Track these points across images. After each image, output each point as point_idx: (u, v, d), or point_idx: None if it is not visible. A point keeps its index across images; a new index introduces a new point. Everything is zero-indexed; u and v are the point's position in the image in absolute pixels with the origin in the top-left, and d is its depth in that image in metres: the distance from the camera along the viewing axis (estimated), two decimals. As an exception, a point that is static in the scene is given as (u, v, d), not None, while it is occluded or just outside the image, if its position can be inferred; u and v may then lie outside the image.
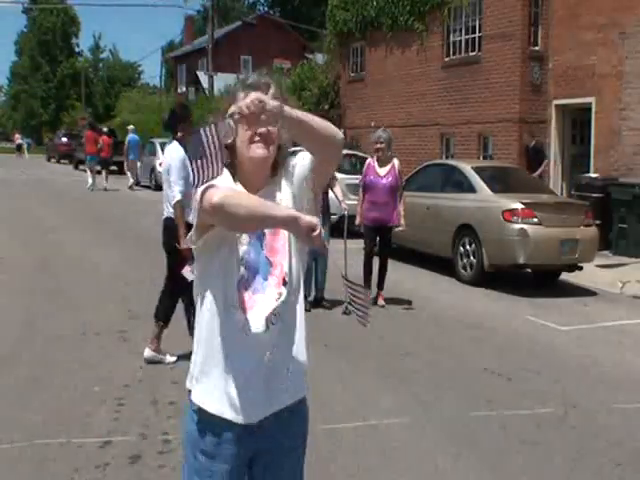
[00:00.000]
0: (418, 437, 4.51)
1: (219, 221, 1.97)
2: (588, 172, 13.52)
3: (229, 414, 2.06)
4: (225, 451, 2.08)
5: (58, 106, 62.56)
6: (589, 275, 9.95)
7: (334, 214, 9.14)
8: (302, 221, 1.86)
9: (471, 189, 10.07)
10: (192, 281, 2.24)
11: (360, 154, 15.18)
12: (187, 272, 5.05)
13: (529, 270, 9.94)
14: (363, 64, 21.64)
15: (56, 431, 4.38)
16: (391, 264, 8.56)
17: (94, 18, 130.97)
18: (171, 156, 5.63)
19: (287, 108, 1.92)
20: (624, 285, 9.69)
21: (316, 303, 7.91)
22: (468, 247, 9.72)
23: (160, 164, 22.90)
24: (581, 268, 9.70)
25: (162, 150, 23.02)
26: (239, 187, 2.09)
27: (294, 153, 2.19)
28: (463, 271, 9.81)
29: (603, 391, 5.52)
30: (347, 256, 7.71)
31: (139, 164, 24.73)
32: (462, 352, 6.48)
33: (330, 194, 7.94)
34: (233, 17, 49.53)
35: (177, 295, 5.80)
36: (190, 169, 1.98)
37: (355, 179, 10.69)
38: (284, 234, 2.11)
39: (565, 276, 10.02)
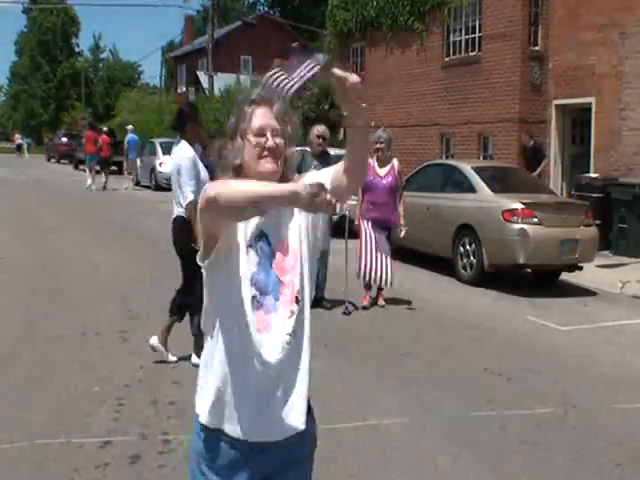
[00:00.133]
0: (418, 437, 4.51)
1: (218, 213, 1.91)
2: (588, 172, 13.52)
3: (238, 433, 2.03)
4: (233, 471, 2.05)
5: (58, 106, 62.57)
6: (589, 275, 9.95)
7: (335, 214, 9.13)
8: (304, 192, 1.76)
9: (471, 189, 10.07)
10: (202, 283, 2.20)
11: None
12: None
13: (529, 270, 9.94)
14: (363, 64, 21.64)
15: (56, 431, 4.38)
16: (391, 264, 8.55)
17: (94, 18, 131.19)
18: (180, 156, 5.58)
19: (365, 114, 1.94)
20: (624, 285, 9.69)
21: (316, 303, 7.90)
22: (468, 247, 9.72)
23: (160, 164, 22.95)
24: (581, 268, 9.70)
25: (162, 150, 23.14)
26: None
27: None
28: (463, 271, 9.80)
29: (603, 391, 5.52)
30: (347, 256, 7.72)
31: (139, 164, 24.73)
32: (462, 352, 6.48)
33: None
34: (233, 17, 49.52)
35: (192, 293, 5.72)
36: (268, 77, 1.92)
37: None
38: (294, 253, 2.09)
39: (565, 276, 10.02)
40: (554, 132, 15.13)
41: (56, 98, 64.53)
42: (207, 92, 31.57)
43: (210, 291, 2.10)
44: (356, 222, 8.37)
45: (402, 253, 10.64)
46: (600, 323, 7.75)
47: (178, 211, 5.63)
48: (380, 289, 8.25)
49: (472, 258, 9.63)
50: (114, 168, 26.11)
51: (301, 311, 2.08)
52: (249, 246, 2.05)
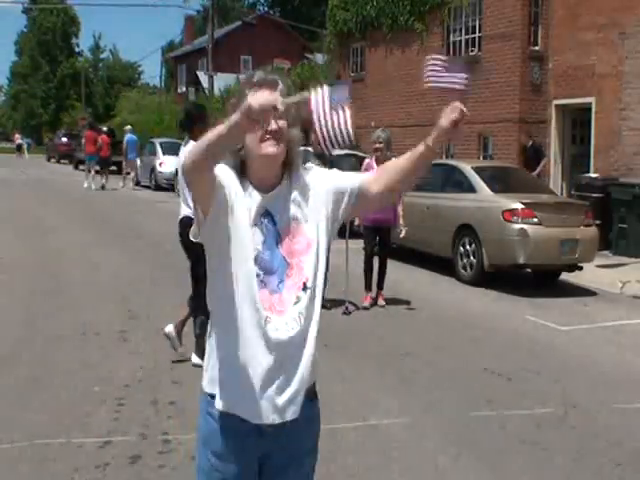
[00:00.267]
0: (418, 437, 4.51)
1: (196, 171, 1.92)
2: (588, 172, 13.52)
3: (241, 412, 2.03)
4: (236, 452, 2.06)
5: (58, 106, 62.59)
6: (589, 275, 9.95)
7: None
8: (254, 105, 1.75)
9: (471, 189, 10.07)
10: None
11: (360, 154, 15.18)
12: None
13: (529, 270, 9.94)
14: (363, 64, 21.65)
15: (56, 431, 4.38)
16: (391, 264, 8.56)
17: (94, 18, 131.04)
18: None
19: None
20: (624, 285, 9.69)
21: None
22: (468, 247, 9.71)
23: (160, 164, 22.97)
24: (581, 268, 9.70)
25: (162, 150, 23.15)
26: (247, 184, 2.07)
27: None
28: (463, 271, 9.80)
29: (603, 391, 5.52)
30: (348, 256, 7.72)
31: (139, 164, 24.74)
32: (462, 352, 6.48)
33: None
34: (233, 17, 49.50)
35: (199, 294, 5.68)
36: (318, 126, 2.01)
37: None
38: (307, 239, 2.08)
39: (565, 276, 10.02)
40: (554, 132, 15.13)
41: (56, 98, 64.54)
42: (207, 92, 31.56)
43: (212, 270, 2.09)
44: (356, 223, 8.38)
45: (402, 253, 10.65)
46: (600, 323, 7.75)
47: (185, 211, 5.62)
48: (380, 288, 8.25)
49: (472, 258, 9.63)
50: (114, 168, 26.12)
51: (311, 300, 2.07)
52: (255, 224, 2.05)
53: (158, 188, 22.73)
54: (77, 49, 69.99)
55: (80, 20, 67.98)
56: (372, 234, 8.28)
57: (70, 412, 4.72)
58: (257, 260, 2.03)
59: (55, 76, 65.53)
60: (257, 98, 1.79)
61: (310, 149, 7.70)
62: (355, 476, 3.96)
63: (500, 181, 10.44)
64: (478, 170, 10.45)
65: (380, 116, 19.74)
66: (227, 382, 2.05)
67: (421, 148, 2.16)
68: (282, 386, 2.03)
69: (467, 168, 10.54)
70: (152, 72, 66.77)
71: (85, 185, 22.61)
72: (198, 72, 38.44)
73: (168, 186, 21.44)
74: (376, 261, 8.33)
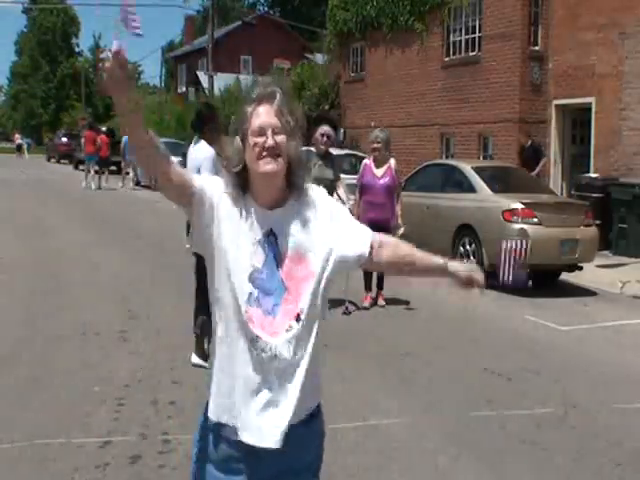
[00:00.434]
0: (418, 437, 4.51)
1: (156, 172, 2.02)
2: (588, 172, 13.52)
3: (226, 422, 2.02)
4: (235, 471, 2.03)
5: (58, 106, 62.63)
6: (589, 275, 9.95)
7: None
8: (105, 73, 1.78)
9: (471, 189, 10.07)
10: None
11: (360, 154, 15.18)
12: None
13: (529, 270, 9.93)
14: (363, 64, 21.65)
15: (56, 431, 4.38)
16: (391, 264, 8.55)
17: (94, 18, 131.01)
18: (199, 156, 5.61)
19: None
20: (624, 285, 9.69)
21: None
22: (468, 247, 9.71)
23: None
24: (581, 268, 9.69)
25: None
26: (249, 200, 2.05)
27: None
28: (463, 271, 9.78)
29: (603, 391, 5.52)
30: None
31: (139, 163, 24.72)
32: (462, 352, 6.48)
33: (334, 195, 7.93)
34: (233, 17, 49.47)
35: (201, 295, 5.63)
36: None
37: (354, 179, 10.68)
38: (309, 268, 2.03)
39: (565, 276, 10.01)
40: (554, 132, 15.13)
41: (56, 98, 64.58)
42: (207, 92, 31.57)
43: (211, 283, 2.08)
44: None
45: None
46: (600, 323, 7.75)
47: None
48: (380, 288, 8.25)
49: (472, 258, 9.63)
50: (113, 168, 26.12)
51: (305, 332, 2.00)
52: (257, 242, 2.02)
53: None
54: (77, 49, 70.10)
55: (80, 20, 68.22)
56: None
57: (70, 412, 4.72)
58: (252, 278, 1.99)
59: (55, 76, 65.58)
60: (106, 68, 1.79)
61: (312, 149, 7.70)
62: (355, 476, 3.96)
63: (500, 181, 10.44)
64: (478, 170, 10.45)
65: (380, 116, 19.74)
66: (217, 391, 2.05)
67: (440, 263, 2.20)
68: (267, 408, 1.97)
69: (467, 168, 10.54)
70: (152, 72, 66.97)
71: (83, 185, 22.64)
72: (198, 72, 38.42)
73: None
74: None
